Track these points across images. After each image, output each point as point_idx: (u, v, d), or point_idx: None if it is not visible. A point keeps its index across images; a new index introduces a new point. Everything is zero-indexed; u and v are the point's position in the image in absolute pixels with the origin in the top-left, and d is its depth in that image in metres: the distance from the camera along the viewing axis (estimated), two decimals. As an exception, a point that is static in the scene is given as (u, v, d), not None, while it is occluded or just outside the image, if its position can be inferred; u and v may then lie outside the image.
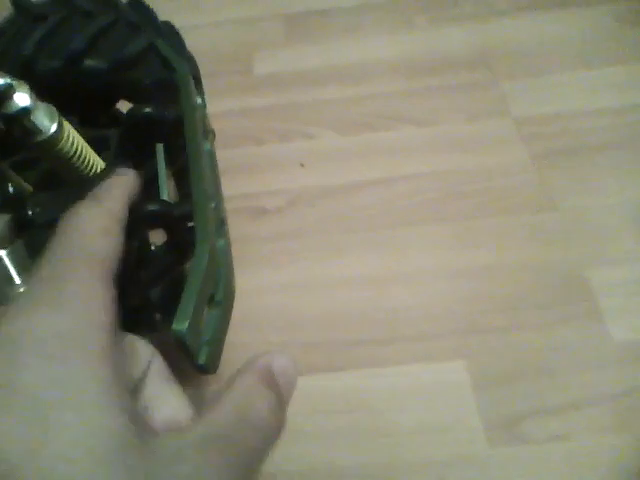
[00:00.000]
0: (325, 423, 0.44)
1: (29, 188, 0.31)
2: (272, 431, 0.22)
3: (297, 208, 0.57)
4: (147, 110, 0.30)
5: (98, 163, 0.32)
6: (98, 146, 0.33)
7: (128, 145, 0.32)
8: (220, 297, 0.24)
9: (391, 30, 0.71)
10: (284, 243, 0.55)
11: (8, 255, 0.23)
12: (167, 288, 0.30)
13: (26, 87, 0.28)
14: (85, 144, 0.31)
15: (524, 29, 0.70)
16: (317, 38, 0.71)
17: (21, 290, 0.23)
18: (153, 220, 0.26)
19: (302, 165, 0.61)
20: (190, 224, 0.27)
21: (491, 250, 0.52)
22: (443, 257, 0.52)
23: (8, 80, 0.27)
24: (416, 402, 0.45)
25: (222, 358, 0.28)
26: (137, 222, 0.25)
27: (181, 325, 0.21)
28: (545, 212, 0.54)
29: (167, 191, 0.29)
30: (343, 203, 0.57)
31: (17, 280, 0.23)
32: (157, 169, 0.30)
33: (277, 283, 0.52)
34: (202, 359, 0.22)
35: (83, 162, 0.31)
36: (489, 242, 0.53)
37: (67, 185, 0.32)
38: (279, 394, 0.23)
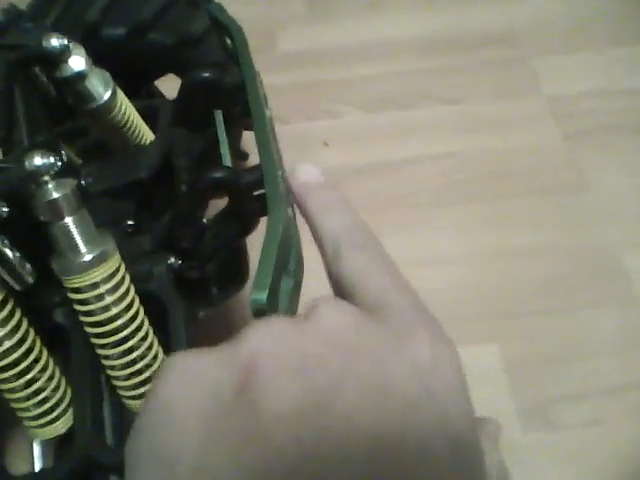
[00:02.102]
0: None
1: (78, 159, 0.30)
2: None
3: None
4: (207, 75, 0.29)
5: (147, 134, 0.31)
6: (145, 117, 0.32)
7: (184, 113, 0.30)
8: (293, 267, 0.23)
9: (416, 6, 0.70)
10: (309, 224, 0.54)
11: (74, 222, 0.22)
12: (225, 261, 0.29)
13: (82, 50, 0.27)
14: (136, 114, 0.30)
15: (553, 5, 0.68)
16: (340, 14, 0.70)
17: (85, 259, 0.22)
18: (218, 188, 0.25)
19: (326, 144, 0.59)
20: (256, 193, 0.26)
21: (524, 232, 0.51)
22: (475, 239, 0.51)
23: (65, 42, 0.26)
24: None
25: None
26: (202, 190, 0.25)
27: (260, 294, 0.20)
28: (579, 193, 0.53)
29: (229, 158, 0.28)
30: (370, 184, 0.56)
31: (82, 248, 0.23)
32: (218, 136, 0.29)
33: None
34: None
35: (133, 132, 0.30)
36: (522, 224, 0.52)
37: (115, 155, 0.31)
38: None
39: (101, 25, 0.32)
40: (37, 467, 0.28)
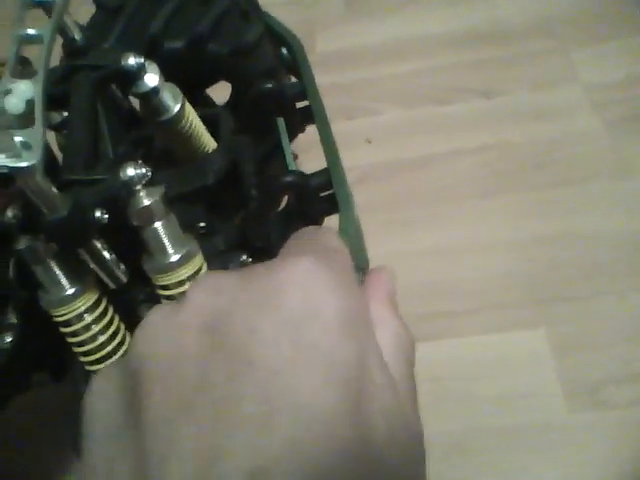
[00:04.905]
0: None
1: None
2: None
3: (367, 184, 0.58)
4: (270, 86, 0.31)
5: (210, 141, 0.33)
6: (206, 124, 0.34)
7: (246, 120, 0.32)
8: (363, 264, 0.25)
9: (451, 1, 0.71)
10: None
11: (163, 227, 0.24)
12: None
13: (156, 67, 0.29)
14: (201, 123, 0.32)
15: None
16: (377, 13, 0.72)
17: (172, 260, 0.25)
18: (290, 191, 0.27)
19: (369, 141, 0.61)
20: (323, 194, 0.28)
21: (566, 219, 0.53)
22: (518, 227, 0.53)
23: (141, 60, 0.28)
24: (495, 370, 0.46)
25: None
26: (275, 192, 0.27)
27: None
28: (621, 180, 0.54)
29: (293, 162, 0.30)
30: (412, 177, 0.58)
31: (170, 250, 0.25)
32: (281, 142, 0.31)
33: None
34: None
35: (199, 141, 0.32)
36: (564, 211, 0.53)
37: (183, 163, 0.33)
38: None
39: (163, 38, 0.34)
40: None
